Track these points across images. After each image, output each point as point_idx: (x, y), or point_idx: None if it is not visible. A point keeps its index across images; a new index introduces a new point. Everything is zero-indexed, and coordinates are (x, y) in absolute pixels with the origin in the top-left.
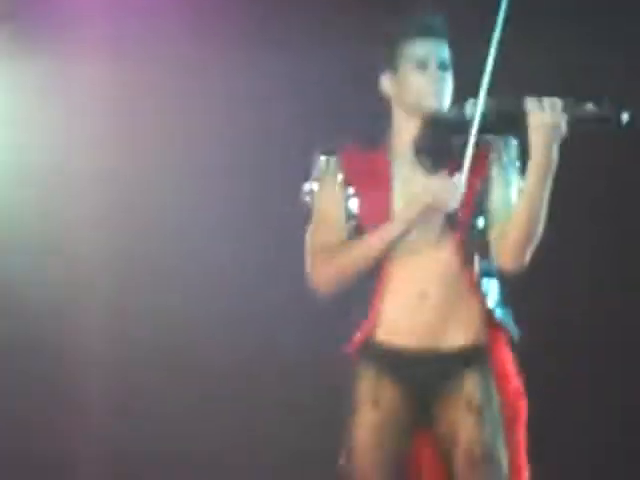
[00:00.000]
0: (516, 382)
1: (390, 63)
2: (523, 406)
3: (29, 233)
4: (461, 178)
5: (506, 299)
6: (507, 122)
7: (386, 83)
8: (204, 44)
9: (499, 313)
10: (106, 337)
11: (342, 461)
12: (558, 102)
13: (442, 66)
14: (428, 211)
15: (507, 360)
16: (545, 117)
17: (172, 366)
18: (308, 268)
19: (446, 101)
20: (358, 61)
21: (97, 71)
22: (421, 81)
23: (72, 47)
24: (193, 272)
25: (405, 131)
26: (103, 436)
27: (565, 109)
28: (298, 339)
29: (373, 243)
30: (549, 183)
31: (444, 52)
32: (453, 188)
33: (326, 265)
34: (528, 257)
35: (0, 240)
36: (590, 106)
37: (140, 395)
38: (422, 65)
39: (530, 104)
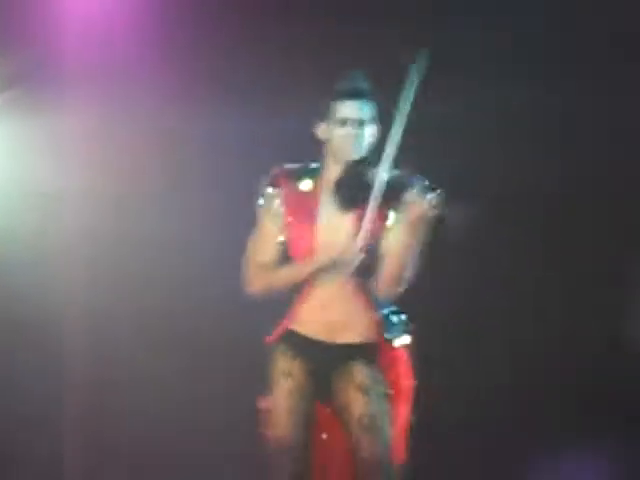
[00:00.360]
0: (403, 368)
1: (323, 117)
2: (408, 386)
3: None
4: (357, 242)
5: (401, 308)
6: (396, 194)
7: (321, 131)
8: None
9: (388, 321)
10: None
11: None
12: (436, 197)
13: (360, 123)
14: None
15: (394, 354)
16: (421, 210)
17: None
18: (245, 276)
19: (362, 151)
20: (301, 113)
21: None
22: (341, 135)
23: (69, 105)
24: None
25: (332, 173)
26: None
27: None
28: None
29: (292, 275)
30: (418, 237)
31: (363, 111)
32: (350, 253)
33: (258, 279)
34: (399, 289)
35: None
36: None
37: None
38: (343, 123)
39: (412, 196)
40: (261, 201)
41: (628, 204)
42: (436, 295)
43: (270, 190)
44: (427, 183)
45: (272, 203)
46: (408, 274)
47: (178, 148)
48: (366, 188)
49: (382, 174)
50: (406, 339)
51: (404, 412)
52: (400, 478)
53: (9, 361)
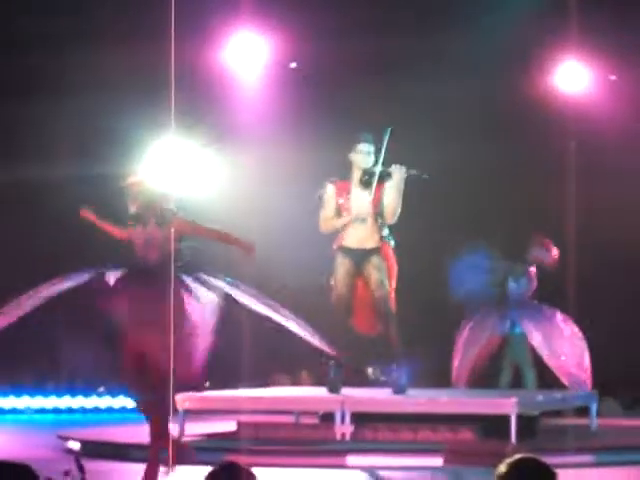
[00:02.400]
0: (393, 260)
1: (352, 149)
2: (395, 271)
3: None
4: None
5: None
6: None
7: (352, 157)
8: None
9: (388, 237)
10: None
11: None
12: (404, 168)
13: (367, 153)
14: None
15: (389, 253)
16: (400, 173)
17: None
18: (320, 226)
19: (368, 164)
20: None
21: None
22: (359, 159)
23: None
24: None
25: (356, 174)
26: None
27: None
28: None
29: (340, 221)
30: (400, 192)
31: (368, 148)
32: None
33: (326, 225)
34: (394, 219)
35: None
36: (413, 171)
37: None
38: (360, 152)
39: (394, 168)
40: (327, 191)
41: None
42: (407, 222)
43: (330, 186)
44: (399, 165)
45: (330, 191)
46: (398, 210)
47: (290, 170)
48: (371, 177)
49: (377, 169)
50: (393, 244)
51: (392, 280)
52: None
53: None
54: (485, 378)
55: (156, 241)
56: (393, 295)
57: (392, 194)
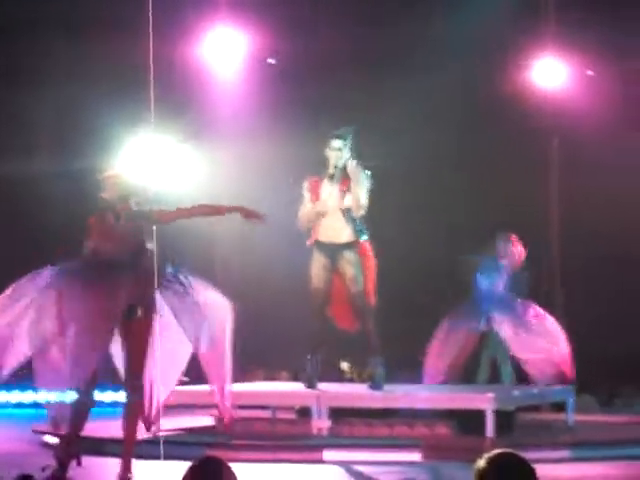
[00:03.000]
0: (370, 254)
1: (327, 145)
2: (372, 265)
3: None
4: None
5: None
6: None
7: (326, 153)
8: None
9: (360, 230)
10: None
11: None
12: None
13: (339, 149)
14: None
15: (366, 247)
16: (351, 166)
17: None
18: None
19: (340, 163)
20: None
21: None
22: (331, 155)
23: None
24: None
25: (329, 170)
26: None
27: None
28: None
29: (313, 212)
30: (360, 185)
31: (340, 144)
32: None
33: (302, 221)
34: (361, 211)
35: None
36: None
37: None
38: (332, 148)
39: (349, 162)
40: (303, 188)
41: None
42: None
43: (305, 183)
44: (353, 160)
45: (305, 188)
46: (362, 203)
47: (267, 164)
48: (337, 172)
49: (341, 169)
50: (366, 238)
51: (371, 275)
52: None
53: None
54: (463, 375)
55: (117, 234)
56: (372, 289)
57: (353, 188)
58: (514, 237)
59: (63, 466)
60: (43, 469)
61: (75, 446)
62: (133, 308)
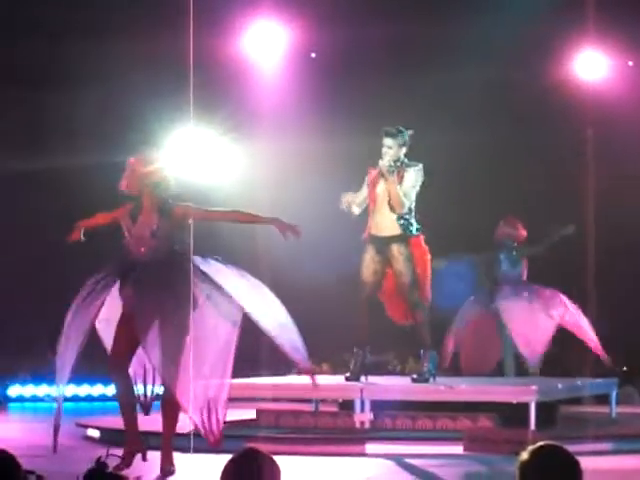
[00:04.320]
0: (422, 248)
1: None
2: (425, 259)
3: None
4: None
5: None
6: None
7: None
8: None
9: (410, 226)
10: None
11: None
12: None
13: (390, 147)
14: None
15: (417, 241)
16: (411, 176)
17: None
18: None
19: (393, 158)
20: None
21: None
22: (383, 152)
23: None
24: None
25: (384, 164)
26: None
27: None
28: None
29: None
30: (409, 187)
31: (391, 142)
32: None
33: (344, 199)
34: (403, 210)
35: None
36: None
37: None
38: (383, 146)
39: (411, 170)
40: (365, 181)
41: None
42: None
43: (366, 177)
44: (416, 168)
45: (367, 177)
46: (403, 202)
47: (319, 156)
48: (388, 170)
49: (391, 163)
50: (416, 232)
51: (422, 269)
52: (419, 300)
53: None
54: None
55: (146, 235)
56: (425, 283)
57: (391, 187)
58: (516, 220)
59: (126, 463)
60: (98, 459)
61: (136, 441)
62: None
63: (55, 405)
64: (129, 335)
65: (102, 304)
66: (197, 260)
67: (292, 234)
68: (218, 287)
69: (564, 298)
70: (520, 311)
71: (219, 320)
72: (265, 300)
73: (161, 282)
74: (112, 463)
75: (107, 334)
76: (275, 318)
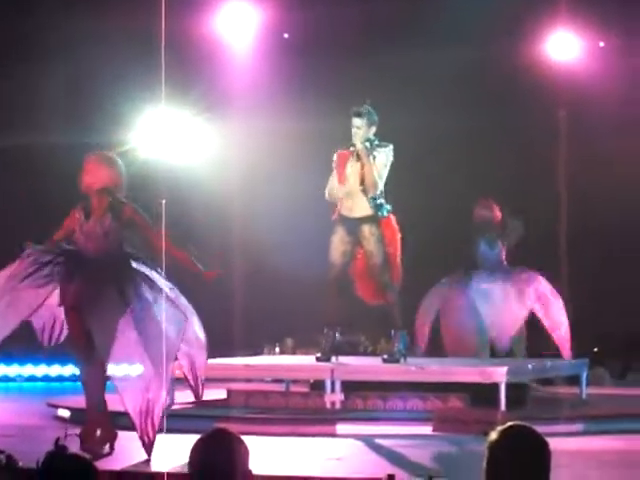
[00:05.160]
0: (393, 229)
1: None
2: (396, 239)
3: None
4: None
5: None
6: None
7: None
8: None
9: (381, 206)
10: None
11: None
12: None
13: (358, 128)
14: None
15: (388, 221)
16: (382, 157)
17: None
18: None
19: (361, 139)
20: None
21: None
22: (352, 132)
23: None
24: None
25: (352, 148)
26: None
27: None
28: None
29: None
30: (379, 167)
31: (359, 122)
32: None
33: (330, 193)
34: (377, 191)
35: None
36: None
37: None
38: (352, 126)
39: (381, 150)
40: (333, 160)
41: None
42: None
43: (334, 157)
44: (386, 148)
45: (335, 160)
46: (375, 183)
47: (291, 136)
48: (363, 151)
49: (365, 145)
50: (387, 212)
51: (394, 249)
52: (391, 280)
53: None
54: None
55: (98, 234)
56: (396, 263)
57: (366, 169)
58: (491, 202)
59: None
60: (57, 441)
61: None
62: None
63: None
64: (78, 328)
65: (45, 299)
66: (143, 267)
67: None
68: (164, 294)
69: (543, 282)
70: (493, 296)
71: (165, 324)
72: (193, 316)
73: (107, 281)
74: (73, 442)
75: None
76: (194, 333)
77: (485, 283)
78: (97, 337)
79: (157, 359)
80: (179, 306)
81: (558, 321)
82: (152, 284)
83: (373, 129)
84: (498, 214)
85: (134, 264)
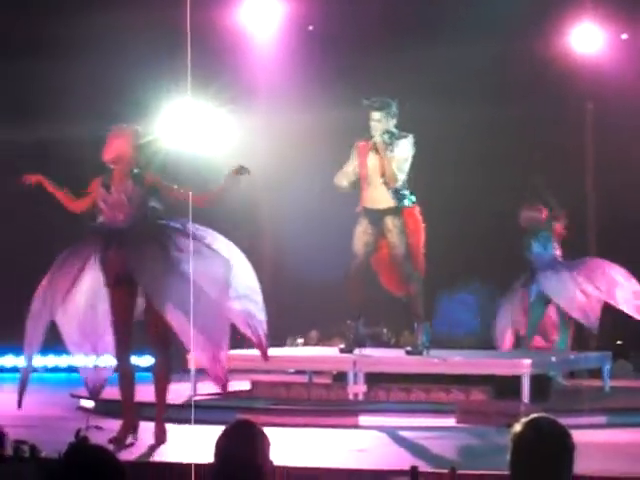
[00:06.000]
0: (416, 219)
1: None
2: (419, 230)
3: None
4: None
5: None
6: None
7: (372, 123)
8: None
9: (404, 198)
10: None
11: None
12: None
13: (379, 121)
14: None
15: (411, 212)
16: (403, 149)
17: None
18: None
19: (380, 131)
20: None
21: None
22: (371, 125)
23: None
24: None
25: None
26: None
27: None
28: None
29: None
30: (401, 159)
31: (379, 115)
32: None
33: (337, 177)
34: (397, 184)
35: None
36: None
37: None
38: (372, 119)
39: (402, 142)
40: (353, 149)
41: None
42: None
43: (356, 144)
44: (408, 139)
45: (355, 150)
46: (396, 175)
47: (315, 128)
48: (381, 144)
49: (384, 137)
50: (410, 203)
51: (416, 240)
52: (414, 271)
53: None
54: None
55: (123, 201)
56: (419, 255)
57: (385, 161)
58: (537, 204)
59: (120, 439)
60: (78, 433)
61: (132, 416)
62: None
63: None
64: (125, 303)
65: (80, 272)
66: (176, 223)
67: (243, 173)
68: (202, 242)
69: (613, 268)
70: (564, 284)
71: (210, 274)
72: (240, 264)
73: (146, 243)
74: (95, 433)
75: (64, 324)
76: (244, 284)
77: (550, 277)
78: (154, 298)
79: (210, 308)
80: (221, 254)
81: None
82: (187, 235)
83: (393, 121)
84: (545, 214)
85: (165, 221)
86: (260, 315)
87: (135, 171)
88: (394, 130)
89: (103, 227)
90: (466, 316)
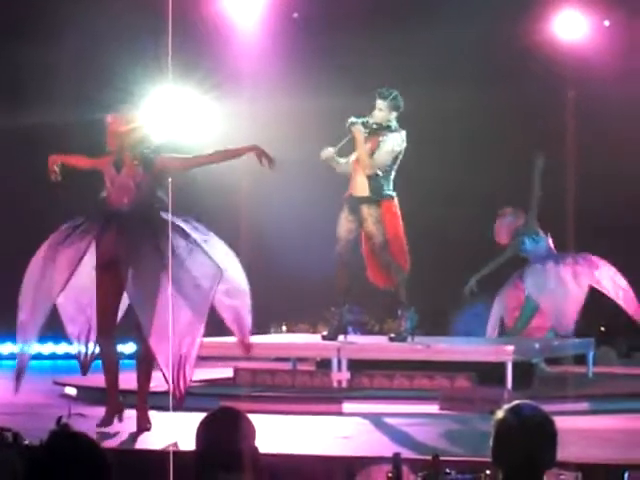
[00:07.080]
0: (393, 213)
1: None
2: (396, 224)
3: None
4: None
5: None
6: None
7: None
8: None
9: (381, 189)
10: None
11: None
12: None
13: (380, 110)
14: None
15: (388, 205)
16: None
17: None
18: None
19: (379, 120)
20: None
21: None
22: (373, 113)
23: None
24: None
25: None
26: None
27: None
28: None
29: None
30: (384, 151)
31: (382, 105)
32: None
33: (324, 151)
34: (370, 171)
35: None
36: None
37: None
38: (375, 107)
39: (389, 136)
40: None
41: None
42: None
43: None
44: (395, 134)
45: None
46: (373, 163)
47: (299, 115)
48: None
49: (372, 126)
50: (387, 196)
51: (393, 232)
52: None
53: None
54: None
55: (131, 186)
56: (397, 246)
57: (378, 151)
58: (519, 211)
59: (106, 421)
60: (59, 420)
61: (116, 402)
62: None
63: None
64: (112, 287)
65: (84, 252)
66: (178, 219)
67: (267, 161)
68: (198, 245)
69: (596, 262)
70: (548, 284)
71: (198, 278)
72: (232, 264)
73: (144, 233)
74: (78, 421)
75: (65, 308)
76: (235, 283)
77: (536, 275)
78: (134, 293)
79: (190, 313)
80: (213, 258)
81: (617, 286)
82: (186, 235)
83: (394, 114)
84: (521, 213)
85: (167, 216)
86: (248, 317)
87: (145, 156)
88: (392, 123)
89: (106, 207)
90: (482, 329)
